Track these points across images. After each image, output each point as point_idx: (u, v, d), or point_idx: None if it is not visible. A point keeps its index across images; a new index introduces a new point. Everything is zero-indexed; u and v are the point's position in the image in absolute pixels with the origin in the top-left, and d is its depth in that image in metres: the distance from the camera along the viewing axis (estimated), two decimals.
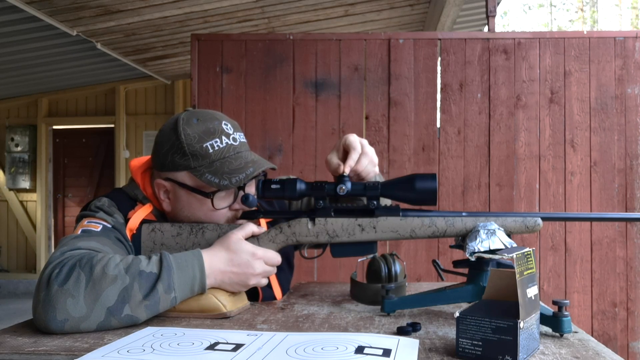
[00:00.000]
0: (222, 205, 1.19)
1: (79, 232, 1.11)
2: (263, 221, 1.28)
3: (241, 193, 1.19)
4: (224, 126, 1.21)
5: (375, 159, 1.22)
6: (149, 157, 1.29)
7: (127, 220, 1.18)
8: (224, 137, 1.19)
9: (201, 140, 1.17)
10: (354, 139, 1.19)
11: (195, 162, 1.17)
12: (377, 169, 1.23)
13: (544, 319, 0.92)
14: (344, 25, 5.36)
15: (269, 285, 1.25)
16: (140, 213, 1.20)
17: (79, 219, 1.18)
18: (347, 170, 1.15)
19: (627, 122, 3.02)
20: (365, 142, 1.21)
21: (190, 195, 1.19)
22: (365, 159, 1.18)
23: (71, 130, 7.48)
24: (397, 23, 5.54)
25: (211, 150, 1.17)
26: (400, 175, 1.16)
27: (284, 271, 1.36)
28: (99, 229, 1.11)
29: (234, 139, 1.21)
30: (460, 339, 0.80)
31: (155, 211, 1.24)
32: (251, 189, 1.24)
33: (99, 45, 5.03)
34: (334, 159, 1.18)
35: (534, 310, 0.82)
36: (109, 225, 1.13)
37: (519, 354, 0.76)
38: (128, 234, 1.16)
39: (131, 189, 1.25)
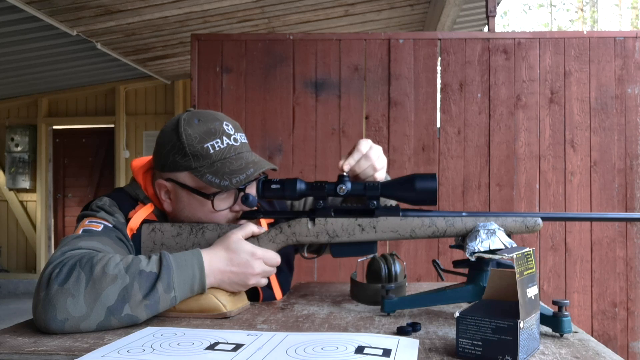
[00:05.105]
0: (223, 206, 1.19)
1: (80, 231, 1.11)
2: (263, 221, 1.28)
3: (242, 194, 1.19)
4: (225, 127, 1.21)
5: (379, 165, 1.21)
6: (150, 157, 1.30)
7: (128, 219, 1.18)
8: (224, 138, 1.19)
9: (202, 140, 1.17)
10: (364, 141, 1.20)
11: (196, 162, 1.17)
12: (381, 175, 1.22)
13: (544, 319, 0.92)
14: (344, 25, 5.36)
15: (269, 286, 1.26)
16: (141, 213, 1.20)
17: (80, 218, 1.18)
18: (345, 168, 1.16)
19: (627, 122, 3.02)
20: (377, 148, 1.21)
21: (191, 196, 1.19)
22: (365, 161, 1.19)
23: (71, 130, 7.48)
24: (397, 23, 5.54)
25: (212, 151, 1.17)
26: (400, 175, 1.16)
27: (284, 272, 1.37)
28: (100, 229, 1.11)
29: (235, 140, 1.21)
30: (460, 339, 0.80)
31: (156, 211, 1.24)
32: (252, 190, 1.24)
33: (99, 45, 5.03)
34: (342, 159, 1.20)
35: (534, 310, 0.82)
36: (110, 225, 1.13)
37: (519, 354, 0.76)
38: (129, 234, 1.16)
39: (132, 189, 1.25)
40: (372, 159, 1.20)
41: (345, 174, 1.13)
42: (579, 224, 3.00)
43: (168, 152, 1.19)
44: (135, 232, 1.17)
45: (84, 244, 1.06)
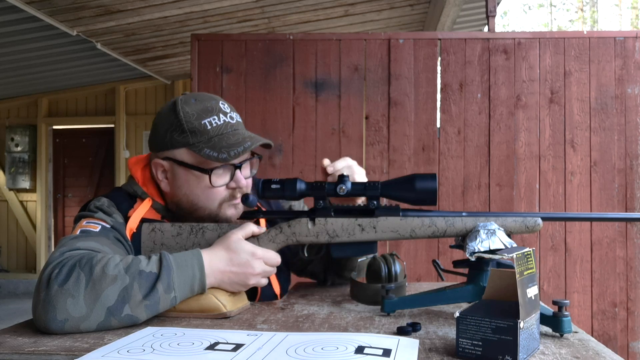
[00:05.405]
0: (220, 182, 1.21)
1: (78, 232, 1.11)
2: (262, 221, 1.28)
3: (237, 172, 1.22)
4: (221, 105, 1.25)
5: (358, 179, 1.23)
6: (147, 154, 1.30)
7: (127, 219, 1.18)
8: (221, 115, 1.22)
9: (200, 117, 1.20)
10: (349, 158, 1.25)
11: (194, 138, 1.19)
12: None
13: (544, 319, 0.92)
14: (344, 25, 5.36)
15: (270, 286, 1.26)
16: (140, 210, 1.21)
17: (78, 219, 1.18)
18: (329, 170, 1.21)
19: (627, 122, 3.02)
20: (360, 169, 1.26)
21: (189, 173, 1.21)
22: (347, 170, 1.23)
23: (71, 130, 7.48)
24: (397, 23, 5.54)
25: (209, 127, 1.20)
26: (400, 175, 1.17)
27: (284, 272, 1.37)
28: (97, 229, 1.11)
29: (231, 118, 1.25)
30: (460, 339, 0.80)
31: (155, 204, 1.24)
32: (246, 171, 1.27)
33: (99, 45, 5.03)
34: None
35: (534, 310, 0.82)
36: (107, 226, 1.13)
37: (519, 354, 0.76)
38: (128, 233, 1.16)
39: (130, 186, 1.26)
40: (354, 171, 1.23)
41: (345, 173, 1.14)
42: (579, 224, 3.00)
43: (165, 131, 1.22)
44: (134, 231, 1.17)
45: (82, 244, 1.06)
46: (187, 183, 1.21)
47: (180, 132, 1.20)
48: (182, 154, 1.21)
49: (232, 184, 1.22)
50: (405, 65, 3.07)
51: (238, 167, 1.22)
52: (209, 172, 1.19)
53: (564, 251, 3.00)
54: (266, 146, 1.26)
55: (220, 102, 1.25)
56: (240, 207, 1.25)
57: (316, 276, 1.50)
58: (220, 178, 1.21)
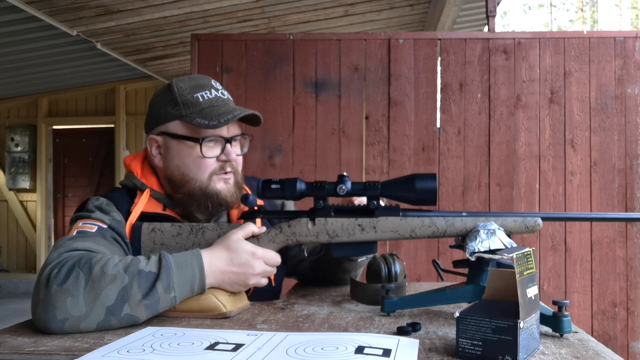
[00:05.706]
0: (211, 154, 1.24)
1: (74, 233, 1.11)
2: (258, 220, 1.28)
3: (228, 146, 1.24)
4: (213, 83, 1.31)
5: None
6: (143, 149, 1.32)
7: (129, 215, 1.20)
8: (212, 90, 1.28)
9: (192, 91, 1.26)
10: None
11: (186, 110, 1.24)
12: None
13: (544, 319, 0.92)
14: (344, 25, 5.36)
15: (270, 285, 1.26)
16: (140, 204, 1.22)
17: (74, 220, 1.19)
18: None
19: (627, 122, 3.02)
20: None
21: (181, 144, 1.24)
22: None
23: (71, 130, 7.47)
24: (397, 23, 5.54)
25: (201, 100, 1.25)
26: (400, 175, 1.17)
27: (281, 267, 1.37)
28: (94, 230, 1.12)
29: (222, 93, 1.30)
30: (460, 339, 0.80)
31: (154, 193, 1.26)
32: (237, 149, 1.30)
33: (99, 45, 5.03)
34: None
35: (534, 310, 0.82)
36: (104, 226, 1.14)
37: (519, 354, 0.76)
38: (127, 227, 1.17)
39: (129, 180, 1.29)
40: None
41: (345, 173, 1.14)
42: (579, 224, 3.00)
43: (160, 106, 1.27)
44: (133, 223, 1.18)
45: (78, 244, 1.06)
46: (180, 154, 1.24)
47: (173, 105, 1.25)
48: (176, 126, 1.25)
49: (223, 157, 1.25)
50: (405, 65, 3.06)
51: (229, 140, 1.25)
52: (200, 140, 1.22)
53: (564, 251, 3.00)
54: (256, 121, 1.29)
55: (212, 80, 1.32)
56: (231, 183, 1.27)
57: (305, 278, 1.51)
58: (211, 150, 1.24)
